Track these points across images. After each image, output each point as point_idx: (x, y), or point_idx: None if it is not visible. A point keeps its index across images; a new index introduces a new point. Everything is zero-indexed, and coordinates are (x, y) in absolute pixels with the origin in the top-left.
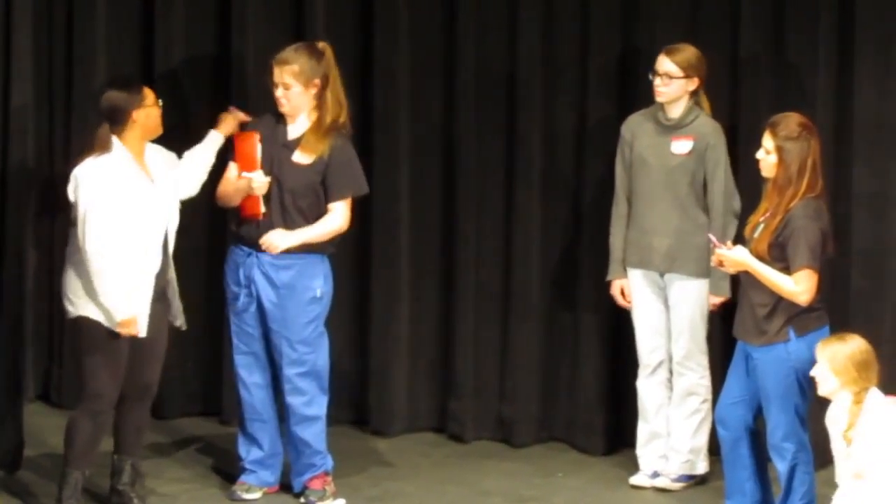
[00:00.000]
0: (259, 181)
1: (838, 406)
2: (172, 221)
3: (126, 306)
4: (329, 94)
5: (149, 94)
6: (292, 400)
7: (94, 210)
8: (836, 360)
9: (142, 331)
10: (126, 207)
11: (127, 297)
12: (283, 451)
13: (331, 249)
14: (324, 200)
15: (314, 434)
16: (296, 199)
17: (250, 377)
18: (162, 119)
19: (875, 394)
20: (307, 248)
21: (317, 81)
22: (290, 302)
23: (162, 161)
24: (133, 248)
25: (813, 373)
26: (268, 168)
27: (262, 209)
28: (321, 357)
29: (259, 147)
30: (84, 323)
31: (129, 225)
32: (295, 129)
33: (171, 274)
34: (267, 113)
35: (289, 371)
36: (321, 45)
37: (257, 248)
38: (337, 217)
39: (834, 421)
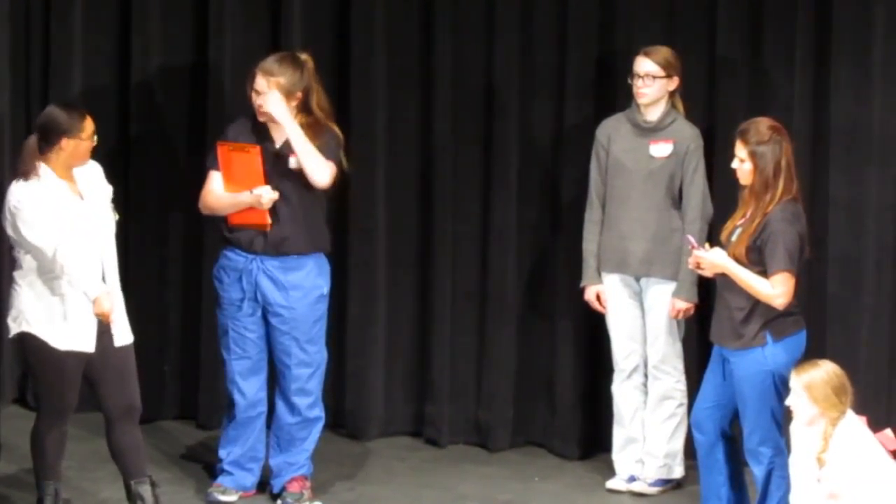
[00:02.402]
0: (268, 197)
1: (813, 429)
2: (107, 237)
3: (96, 284)
4: (314, 104)
5: (87, 128)
6: (298, 401)
7: (33, 231)
8: (814, 388)
9: (89, 347)
10: (61, 228)
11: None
12: (264, 456)
13: (328, 248)
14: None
15: (313, 435)
16: (302, 203)
17: (246, 382)
18: (93, 152)
19: (850, 416)
20: (312, 248)
21: (299, 94)
22: (300, 302)
23: (94, 177)
24: (73, 266)
25: (789, 402)
26: (267, 180)
27: (269, 220)
28: (325, 357)
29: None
30: (29, 341)
31: (66, 243)
32: (282, 135)
33: (114, 291)
34: (239, 119)
35: (298, 371)
36: (304, 56)
37: (260, 252)
38: (324, 162)
39: (806, 443)
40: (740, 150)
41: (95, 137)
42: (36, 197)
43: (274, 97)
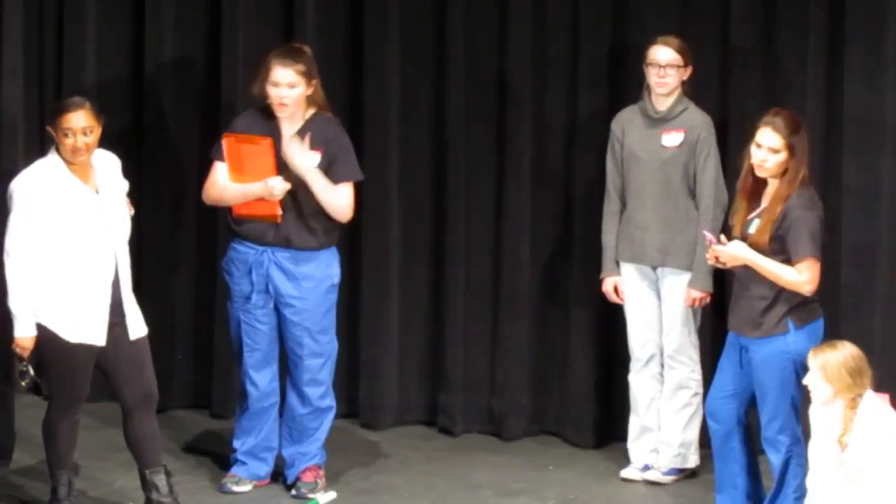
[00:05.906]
0: (281, 188)
1: (832, 412)
2: (121, 232)
3: (26, 323)
4: (319, 91)
5: (64, 121)
6: (310, 391)
7: (16, 212)
8: (828, 368)
9: (100, 339)
10: (61, 214)
11: (32, 314)
12: (277, 446)
13: (336, 242)
14: None
15: (325, 424)
16: (310, 198)
17: (258, 374)
18: (75, 149)
19: (870, 397)
20: (322, 244)
21: (314, 81)
22: (312, 293)
23: (110, 170)
24: (81, 257)
25: (806, 381)
26: (279, 172)
27: (280, 212)
28: (336, 346)
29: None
30: (40, 332)
31: (70, 232)
32: (292, 129)
33: (126, 285)
34: (248, 111)
35: (310, 362)
36: (304, 46)
37: (270, 244)
38: (343, 195)
39: (825, 426)
40: (775, 141)
41: (80, 137)
42: (34, 178)
43: (294, 147)
